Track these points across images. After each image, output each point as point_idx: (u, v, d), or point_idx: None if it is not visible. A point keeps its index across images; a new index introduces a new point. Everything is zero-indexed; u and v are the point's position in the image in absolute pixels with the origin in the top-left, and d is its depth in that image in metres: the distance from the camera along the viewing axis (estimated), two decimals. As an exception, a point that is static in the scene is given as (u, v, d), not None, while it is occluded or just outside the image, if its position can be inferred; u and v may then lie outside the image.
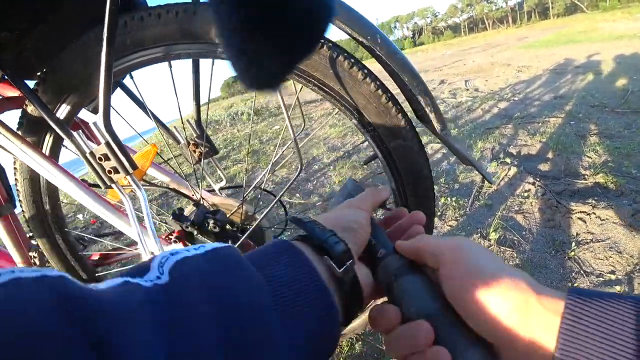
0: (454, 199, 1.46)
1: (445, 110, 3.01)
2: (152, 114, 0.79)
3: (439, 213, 1.40)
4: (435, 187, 1.56)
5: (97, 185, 0.72)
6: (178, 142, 0.79)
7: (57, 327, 0.14)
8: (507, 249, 1.12)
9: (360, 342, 0.88)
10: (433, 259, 0.25)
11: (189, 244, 0.59)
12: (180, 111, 0.66)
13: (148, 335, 0.16)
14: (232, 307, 0.19)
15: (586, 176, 1.46)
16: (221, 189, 0.78)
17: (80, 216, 2.21)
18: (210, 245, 0.22)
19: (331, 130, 2.90)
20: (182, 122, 0.73)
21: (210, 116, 5.15)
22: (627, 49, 4.34)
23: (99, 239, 1.11)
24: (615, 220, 1.15)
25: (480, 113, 2.71)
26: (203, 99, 0.74)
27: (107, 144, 0.55)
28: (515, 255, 1.10)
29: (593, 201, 1.27)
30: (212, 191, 0.79)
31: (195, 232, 0.58)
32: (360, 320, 0.77)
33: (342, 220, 0.28)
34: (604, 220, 1.17)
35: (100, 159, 0.57)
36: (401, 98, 0.56)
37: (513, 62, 5.24)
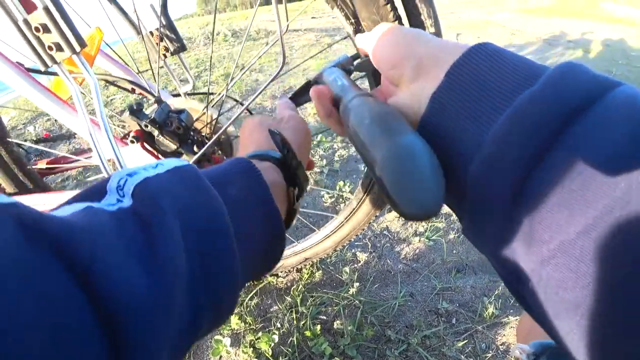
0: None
1: (433, 61, 2.91)
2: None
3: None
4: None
5: (37, 71, 0.61)
6: (138, 33, 0.67)
7: (24, 253, 0.13)
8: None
9: (320, 271, 0.90)
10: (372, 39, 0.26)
11: (149, 147, 0.52)
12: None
13: (124, 256, 0.15)
14: (198, 230, 0.19)
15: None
16: (187, 94, 0.69)
17: (30, 128, 1.99)
18: (168, 163, 0.21)
19: (312, 62, 2.73)
20: (135, 7, 0.61)
21: (183, 33, 4.65)
22: (620, 33, 4.36)
23: (45, 149, 0.99)
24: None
25: (468, 70, 2.65)
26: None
27: (46, 10, 0.44)
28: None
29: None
30: (177, 96, 0.69)
31: (156, 133, 0.51)
32: (326, 245, 0.77)
33: (299, 138, 0.29)
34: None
35: (37, 29, 0.46)
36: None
37: (509, 23, 5.10)
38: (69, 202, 0.18)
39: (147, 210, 0.17)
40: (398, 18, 0.50)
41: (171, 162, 0.21)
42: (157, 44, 0.66)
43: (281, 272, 0.87)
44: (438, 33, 0.50)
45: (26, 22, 0.45)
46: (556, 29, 4.73)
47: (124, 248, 0.16)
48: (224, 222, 0.20)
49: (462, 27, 4.78)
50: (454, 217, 1.08)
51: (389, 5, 0.48)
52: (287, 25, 0.49)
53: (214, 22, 0.61)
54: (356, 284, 0.86)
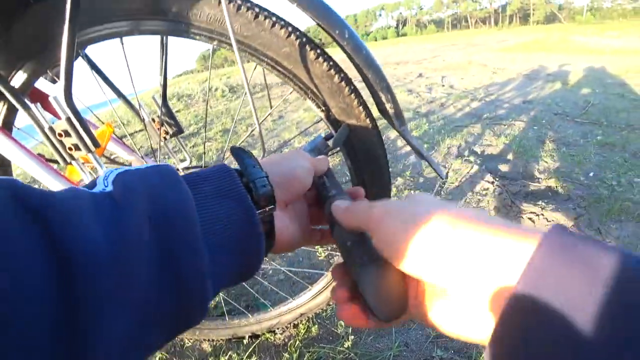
0: (417, 191, 1.52)
1: (419, 104, 3.08)
2: (116, 88, 0.76)
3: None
4: (401, 180, 1.63)
5: (54, 161, 0.69)
6: (142, 119, 0.77)
7: (10, 215, 0.16)
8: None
9: (316, 325, 0.92)
10: (365, 226, 0.25)
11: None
12: (134, 88, 0.64)
13: (91, 222, 0.18)
14: (164, 213, 0.21)
15: (540, 179, 1.57)
16: (184, 169, 0.78)
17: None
18: (150, 164, 0.25)
19: (305, 114, 2.90)
20: (137, 100, 0.71)
21: (183, 90, 4.95)
22: (594, 63, 4.57)
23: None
24: (560, 222, 1.25)
25: (453, 110, 2.80)
26: (170, 76, 0.73)
27: (68, 120, 0.53)
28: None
29: (543, 203, 1.37)
30: (176, 172, 0.78)
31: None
32: (319, 300, 0.80)
33: (283, 166, 0.29)
34: (550, 221, 1.27)
35: (60, 134, 0.55)
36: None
37: (490, 63, 5.38)
38: None
39: (122, 193, 0.20)
40: (363, 104, 0.58)
41: (152, 164, 0.24)
42: (158, 129, 0.75)
43: (278, 329, 0.90)
44: (398, 112, 0.58)
45: (51, 129, 0.54)
46: (535, 64, 4.98)
47: (92, 216, 0.19)
48: (189, 209, 0.22)
49: (446, 69, 5.05)
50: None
51: (353, 95, 0.57)
52: (265, 117, 0.58)
53: (207, 106, 0.70)
54: (351, 337, 0.88)
